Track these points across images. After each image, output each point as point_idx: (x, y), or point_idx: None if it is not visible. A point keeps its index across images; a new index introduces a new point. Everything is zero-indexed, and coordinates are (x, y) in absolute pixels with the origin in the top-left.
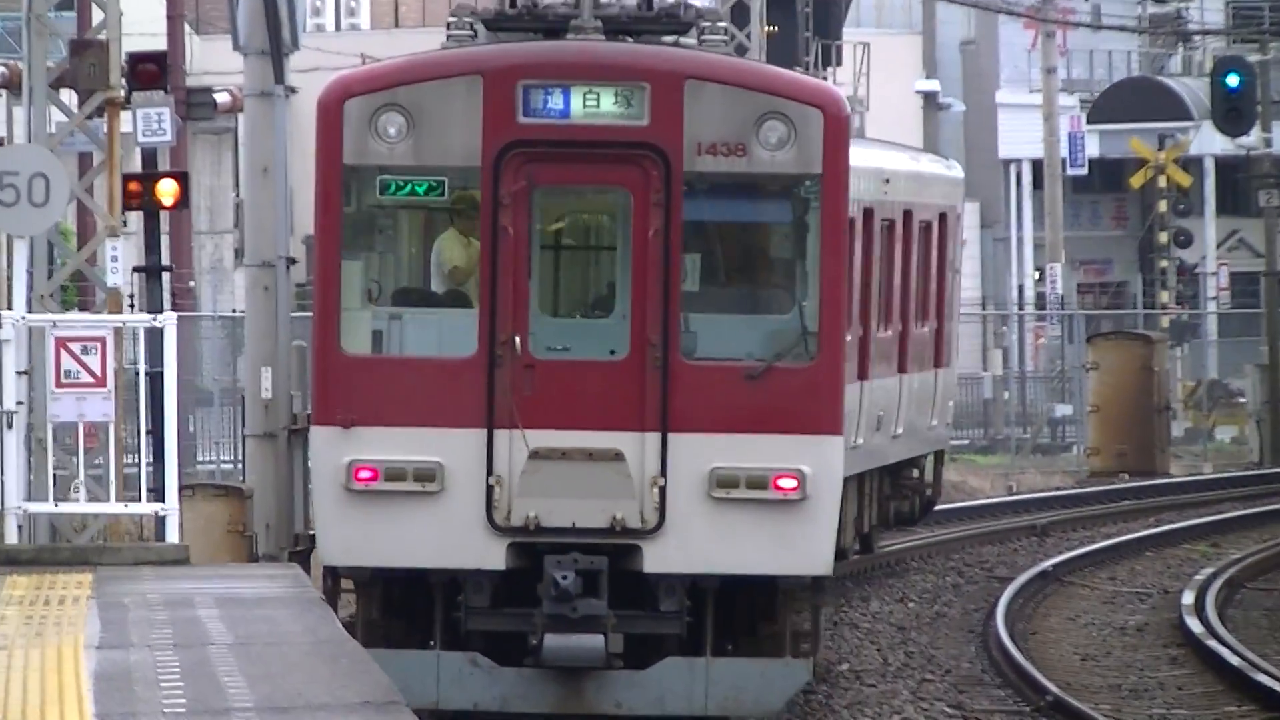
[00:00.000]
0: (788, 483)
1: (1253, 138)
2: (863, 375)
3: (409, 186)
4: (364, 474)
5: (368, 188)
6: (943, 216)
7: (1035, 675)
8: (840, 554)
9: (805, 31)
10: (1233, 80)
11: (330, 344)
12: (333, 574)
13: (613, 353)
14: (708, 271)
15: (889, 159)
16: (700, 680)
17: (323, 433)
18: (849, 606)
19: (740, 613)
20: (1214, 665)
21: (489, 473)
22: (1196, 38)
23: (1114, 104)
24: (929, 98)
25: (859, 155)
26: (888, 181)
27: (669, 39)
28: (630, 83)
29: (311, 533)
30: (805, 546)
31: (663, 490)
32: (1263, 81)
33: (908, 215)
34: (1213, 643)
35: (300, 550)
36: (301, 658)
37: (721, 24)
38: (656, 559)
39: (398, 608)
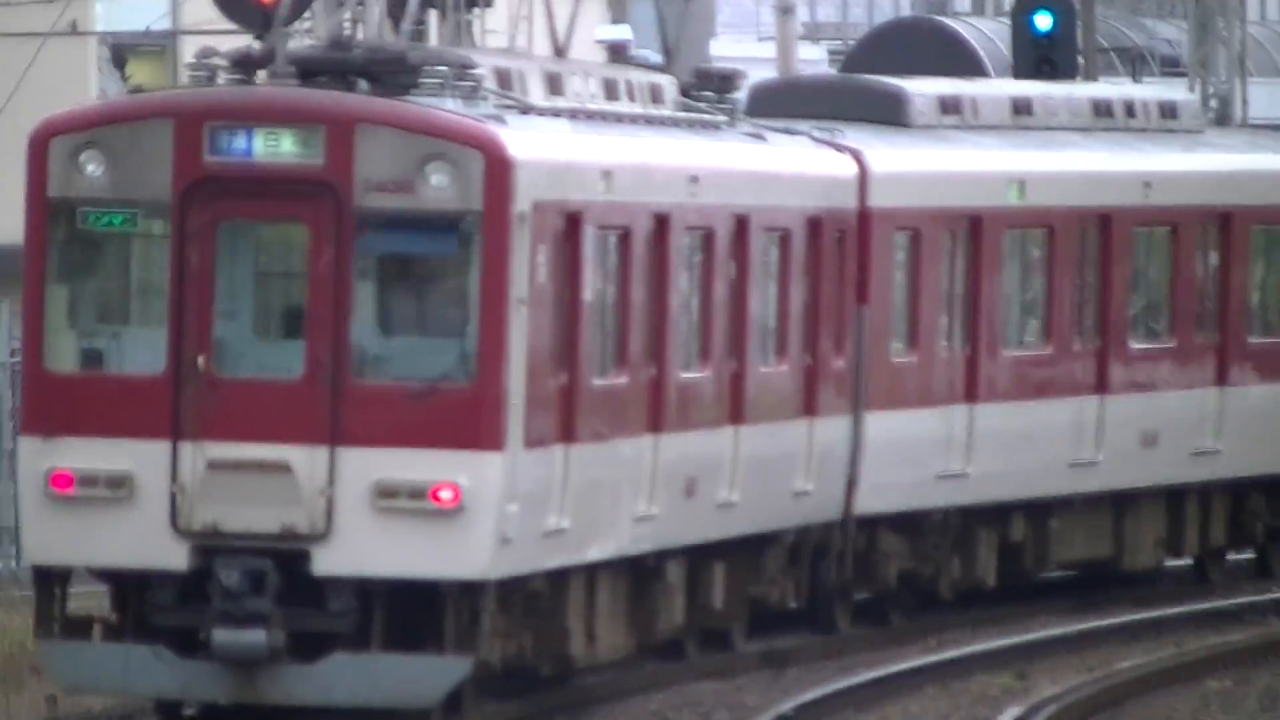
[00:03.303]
0: (446, 494)
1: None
2: (654, 427)
3: (106, 218)
4: (60, 480)
5: (70, 219)
6: (814, 223)
7: None
8: None
9: None
10: (1043, 21)
11: (35, 362)
12: (38, 572)
13: (289, 373)
14: (379, 299)
15: (702, 150)
16: (366, 674)
17: (26, 442)
18: None
19: (405, 612)
20: None
21: (173, 480)
22: None
23: (876, 56)
24: (616, 50)
25: (635, 146)
26: (695, 180)
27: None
28: (307, 125)
29: None
30: (462, 553)
31: (330, 499)
32: (1086, 23)
33: (741, 222)
34: None
35: None
36: None
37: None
38: (325, 562)
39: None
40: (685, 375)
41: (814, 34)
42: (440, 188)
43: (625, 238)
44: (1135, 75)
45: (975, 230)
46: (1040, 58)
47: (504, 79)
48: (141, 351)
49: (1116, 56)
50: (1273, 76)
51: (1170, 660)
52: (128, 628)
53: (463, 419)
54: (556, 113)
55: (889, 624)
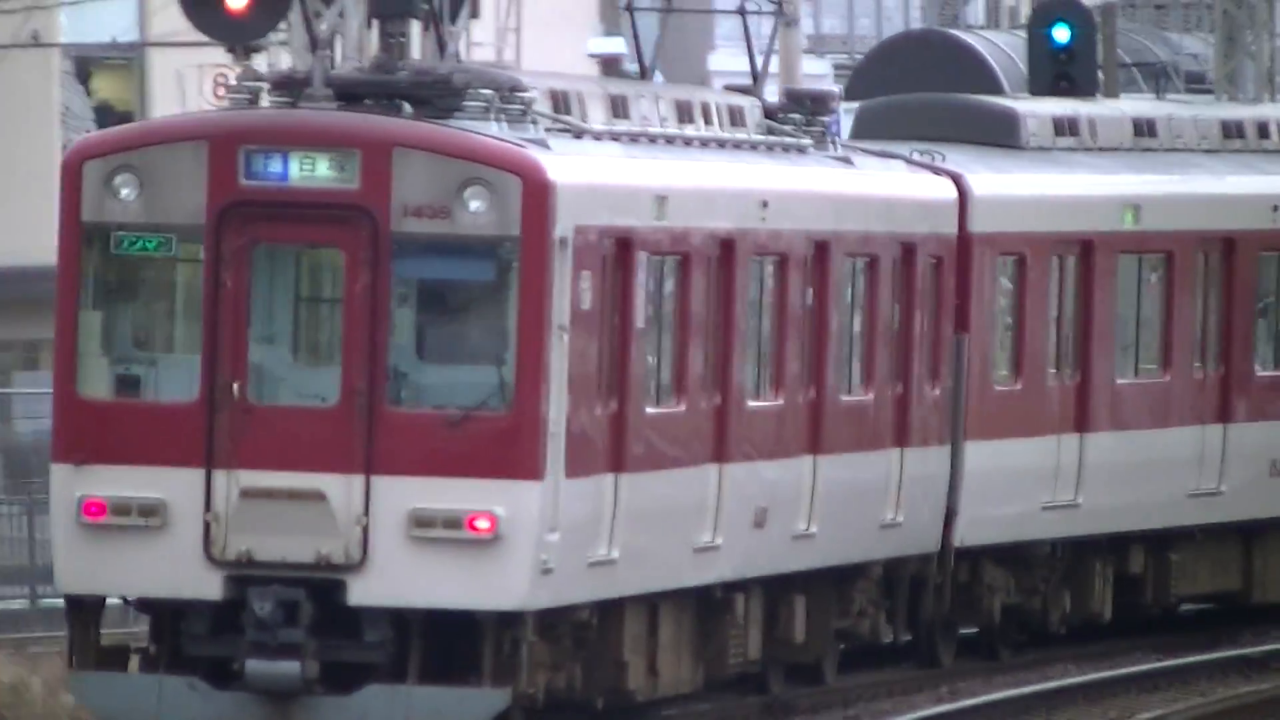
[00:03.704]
0: (482, 523)
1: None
2: (719, 457)
3: (140, 242)
4: (93, 508)
5: (104, 243)
6: (907, 248)
7: None
8: None
9: None
10: (1061, 34)
11: (68, 388)
12: (71, 601)
13: (324, 400)
14: (416, 325)
15: (774, 174)
16: (401, 706)
17: (58, 470)
18: None
19: (445, 643)
20: None
21: (206, 509)
22: None
23: (884, 70)
24: (609, 63)
25: (695, 170)
26: (765, 204)
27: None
28: (343, 149)
29: None
30: (499, 583)
31: (365, 529)
32: (1106, 35)
33: (821, 247)
34: None
35: None
36: None
37: (487, 92)
38: (360, 592)
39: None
40: (754, 404)
41: (819, 47)
42: (478, 213)
43: (684, 262)
44: (1159, 91)
45: (1086, 255)
46: (1058, 73)
47: (559, 102)
48: (175, 378)
49: (1139, 72)
50: None
51: (1193, 710)
52: (162, 658)
53: (500, 448)
54: (615, 136)
55: (997, 658)
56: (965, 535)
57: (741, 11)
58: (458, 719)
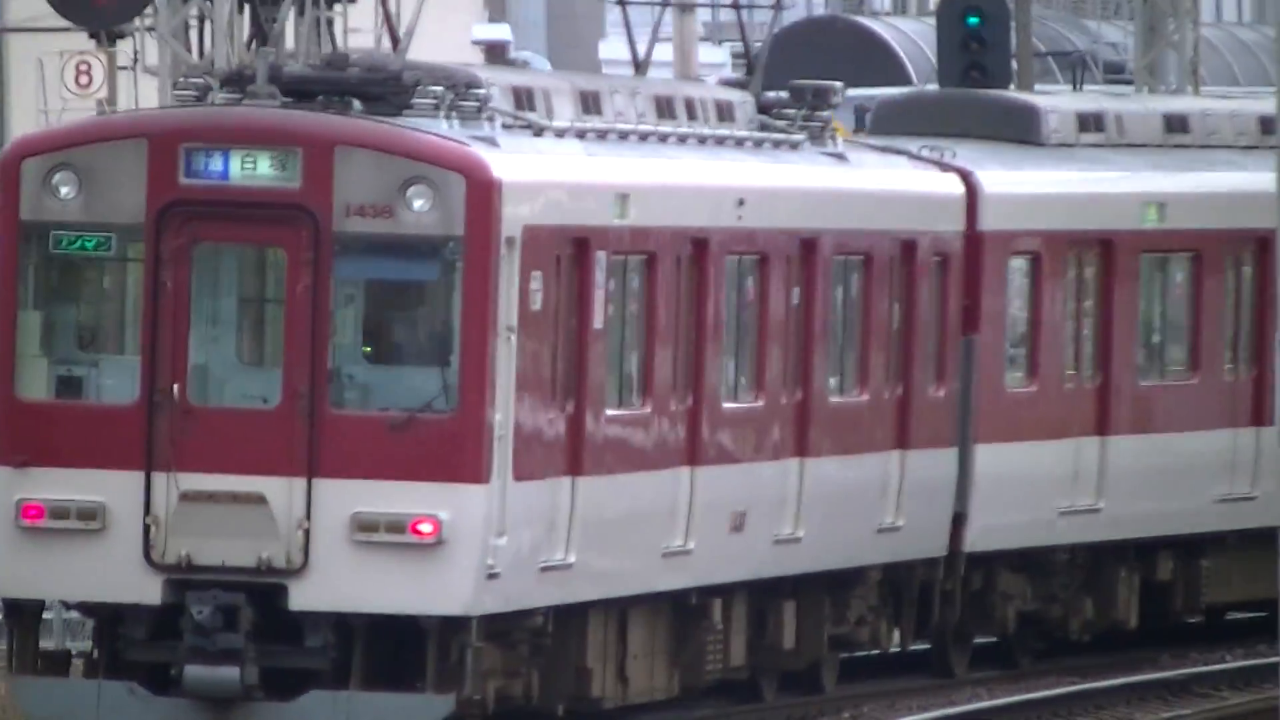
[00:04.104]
0: (425, 527)
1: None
2: (691, 460)
3: (79, 241)
4: (31, 511)
5: (42, 242)
6: (908, 246)
7: None
8: None
9: None
10: (974, 20)
11: (6, 389)
12: (10, 606)
13: (265, 401)
14: (360, 326)
15: (754, 171)
16: (343, 712)
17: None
18: None
19: (389, 650)
20: None
21: (146, 512)
22: None
23: (786, 58)
24: (494, 50)
25: (664, 167)
26: (742, 202)
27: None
28: (284, 148)
29: None
30: (443, 587)
31: (307, 532)
32: (1021, 23)
33: (808, 245)
34: None
35: None
36: None
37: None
38: (302, 597)
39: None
40: (732, 405)
41: (716, 34)
42: (421, 212)
43: (650, 262)
44: (1076, 82)
45: (1107, 254)
46: (970, 63)
47: (521, 98)
48: (115, 379)
49: (1055, 62)
50: (1229, 84)
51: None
52: (102, 663)
53: (443, 451)
54: (581, 133)
55: (1016, 666)
56: (976, 540)
57: (620, 1)
58: None
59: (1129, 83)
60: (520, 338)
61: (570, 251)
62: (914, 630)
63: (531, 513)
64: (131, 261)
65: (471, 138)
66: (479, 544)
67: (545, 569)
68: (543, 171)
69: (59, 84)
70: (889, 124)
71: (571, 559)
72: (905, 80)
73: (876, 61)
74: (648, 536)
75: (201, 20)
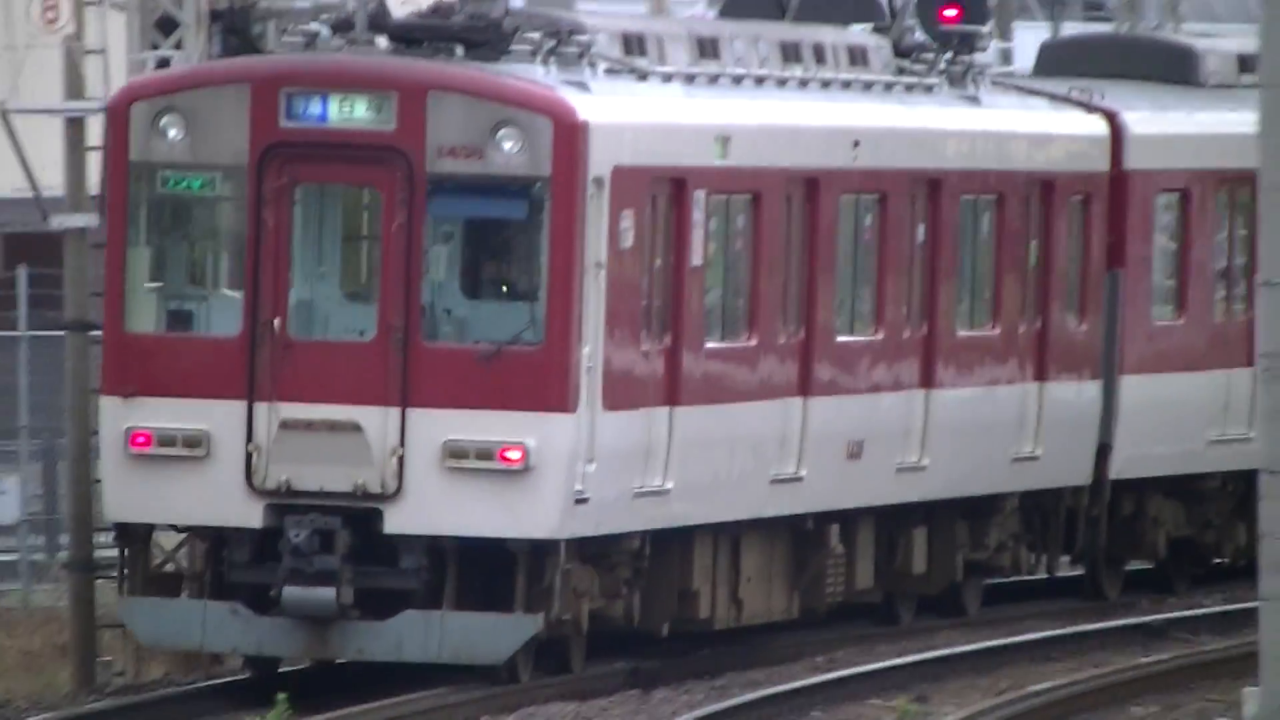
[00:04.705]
0: (513, 454)
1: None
2: (803, 390)
3: (185, 181)
4: (139, 439)
5: (150, 182)
6: (1047, 185)
7: None
8: None
9: None
10: None
11: (116, 322)
12: (120, 529)
13: (362, 334)
14: (451, 263)
15: (871, 112)
16: (435, 631)
17: (107, 402)
18: None
19: (481, 571)
20: None
21: (248, 440)
22: None
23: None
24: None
25: (770, 109)
26: (857, 144)
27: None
28: (380, 92)
29: None
30: (530, 512)
31: (401, 459)
32: None
33: (934, 184)
34: None
35: None
36: None
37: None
38: (395, 521)
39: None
40: (847, 339)
41: None
42: (510, 153)
43: (755, 201)
44: (1054, 19)
45: (1252, 190)
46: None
47: (631, 43)
48: (218, 313)
49: None
50: (1209, 21)
51: (1091, 683)
52: (208, 584)
53: (530, 381)
54: (690, 78)
55: (1173, 592)
56: (1123, 469)
57: None
58: (491, 644)
59: (1108, 20)
60: (610, 274)
61: (667, 191)
62: (1060, 556)
63: (624, 441)
64: (235, 200)
65: (563, 82)
66: (565, 470)
67: (640, 494)
68: (635, 114)
69: (25, 21)
70: (1052, 66)
71: (670, 485)
72: (880, 17)
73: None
74: (753, 463)
75: None
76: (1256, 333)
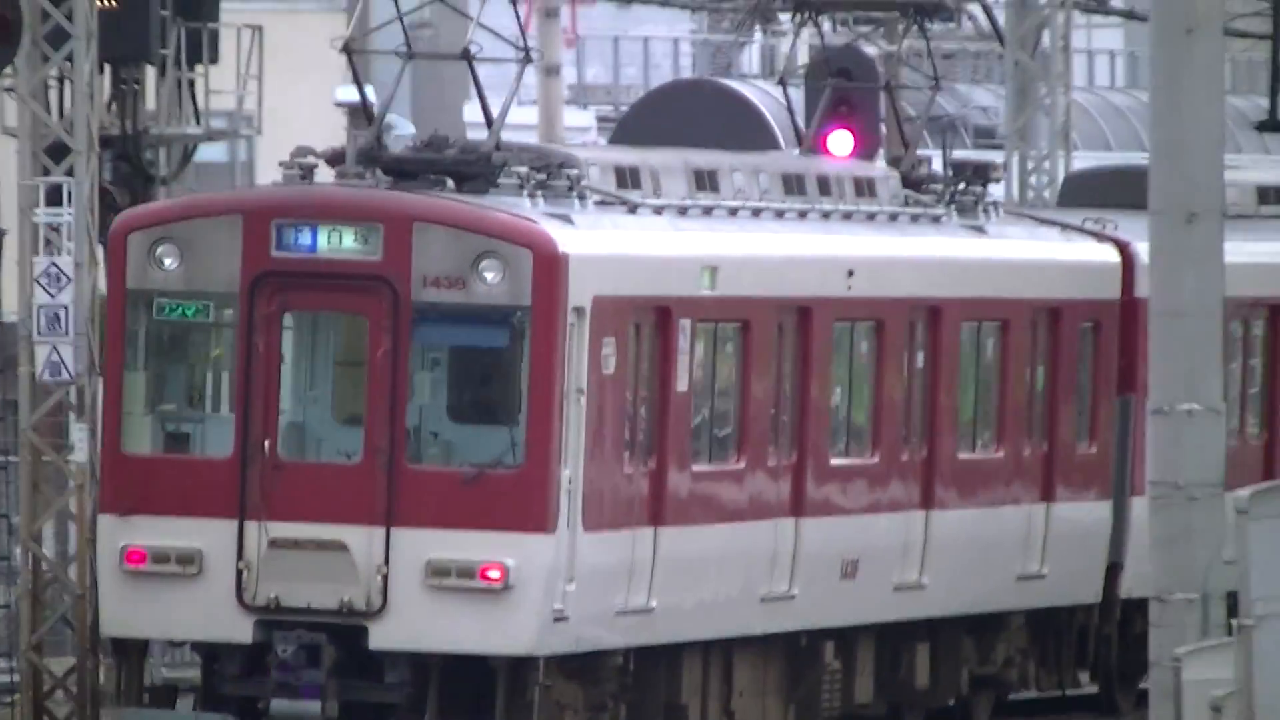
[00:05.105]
0: (493, 573)
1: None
2: (795, 511)
3: (180, 308)
4: (135, 556)
5: (147, 309)
6: (1054, 312)
7: None
8: None
9: (164, 10)
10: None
11: (113, 443)
12: (116, 643)
13: (349, 456)
14: (436, 388)
15: (866, 243)
16: None
17: (104, 520)
18: None
19: (463, 687)
20: None
21: (239, 558)
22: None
23: (653, 120)
24: (357, 112)
25: (761, 241)
26: (851, 273)
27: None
28: (367, 223)
29: None
30: (511, 629)
31: (385, 577)
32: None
33: (934, 313)
34: None
35: None
36: None
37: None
38: (380, 637)
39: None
40: (841, 461)
41: (581, 97)
42: (492, 283)
43: (744, 329)
44: (945, 146)
45: (1275, 319)
46: (837, 127)
47: (625, 176)
48: (212, 435)
49: (925, 127)
50: (1101, 149)
51: None
52: (201, 696)
53: (510, 503)
54: (683, 210)
55: None
56: (1133, 587)
57: (466, 57)
58: None
59: (999, 147)
60: (592, 399)
61: (652, 319)
62: (1074, 672)
63: (605, 560)
64: (227, 327)
65: (547, 214)
66: (544, 589)
67: (621, 613)
68: (616, 245)
69: None
70: (1077, 196)
71: (654, 603)
72: (773, 142)
73: (744, 125)
74: (743, 582)
75: (61, 81)
76: None
